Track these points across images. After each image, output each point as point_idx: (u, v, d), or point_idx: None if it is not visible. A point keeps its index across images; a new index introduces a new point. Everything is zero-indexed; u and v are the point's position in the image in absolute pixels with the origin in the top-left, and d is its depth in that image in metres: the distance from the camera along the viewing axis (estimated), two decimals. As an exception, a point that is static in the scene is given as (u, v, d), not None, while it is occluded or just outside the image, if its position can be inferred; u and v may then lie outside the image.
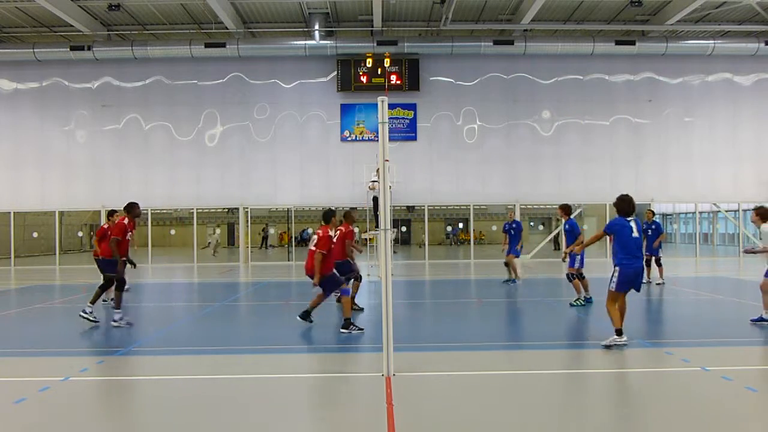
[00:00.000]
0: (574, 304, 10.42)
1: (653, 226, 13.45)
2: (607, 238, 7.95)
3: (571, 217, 11.00)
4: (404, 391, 5.40)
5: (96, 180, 23.39)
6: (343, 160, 23.31)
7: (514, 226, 14.21)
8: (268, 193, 23.57)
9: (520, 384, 5.88)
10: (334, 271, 8.75)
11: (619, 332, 7.08)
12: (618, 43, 22.33)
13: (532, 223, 41.13)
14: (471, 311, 10.59)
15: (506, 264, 14.53)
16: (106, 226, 10.27)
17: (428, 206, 24.19)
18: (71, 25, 21.36)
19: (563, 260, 10.14)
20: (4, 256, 23.83)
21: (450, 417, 4.87)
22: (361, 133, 23.42)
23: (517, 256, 14.34)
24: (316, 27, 22.19)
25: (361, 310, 10.07)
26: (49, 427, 4.78)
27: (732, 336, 8.21)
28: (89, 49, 22.02)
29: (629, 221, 7.14)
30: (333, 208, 8.89)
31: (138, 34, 23.10)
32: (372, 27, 22.35)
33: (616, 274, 7.06)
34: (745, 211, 25.67)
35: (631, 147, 23.64)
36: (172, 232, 36.50)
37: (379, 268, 15.03)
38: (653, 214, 13.93)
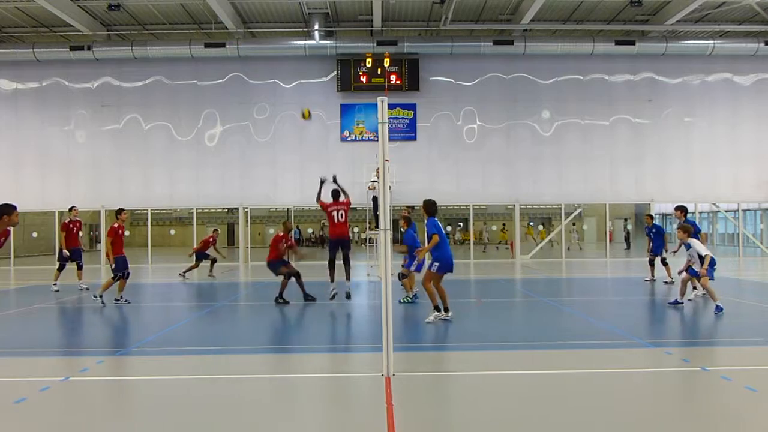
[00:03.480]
0: (403, 301, 10.90)
1: (654, 230, 14.22)
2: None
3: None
4: (404, 391, 5.40)
5: (96, 180, 23.39)
6: (343, 160, 23.28)
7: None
8: (268, 193, 23.56)
9: (519, 384, 5.88)
10: None
11: (437, 308, 8.67)
12: (618, 43, 22.34)
13: (532, 223, 41.14)
14: (471, 311, 10.59)
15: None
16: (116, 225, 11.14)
17: (428, 206, 24.14)
18: (71, 25, 21.37)
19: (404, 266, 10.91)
20: (4, 256, 23.81)
21: (450, 417, 4.87)
22: (361, 133, 23.42)
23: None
24: (316, 27, 22.20)
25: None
26: (49, 427, 4.78)
27: (732, 336, 8.21)
28: (89, 49, 22.03)
29: (438, 221, 8.79)
30: None
31: (138, 34, 23.10)
32: (372, 27, 22.35)
33: (437, 264, 8.62)
34: (744, 211, 25.69)
35: (631, 147, 23.63)
36: (172, 232, 36.50)
37: (379, 268, 15.02)
38: (652, 218, 14.76)
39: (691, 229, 10.00)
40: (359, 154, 22.94)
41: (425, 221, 8.87)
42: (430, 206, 8.92)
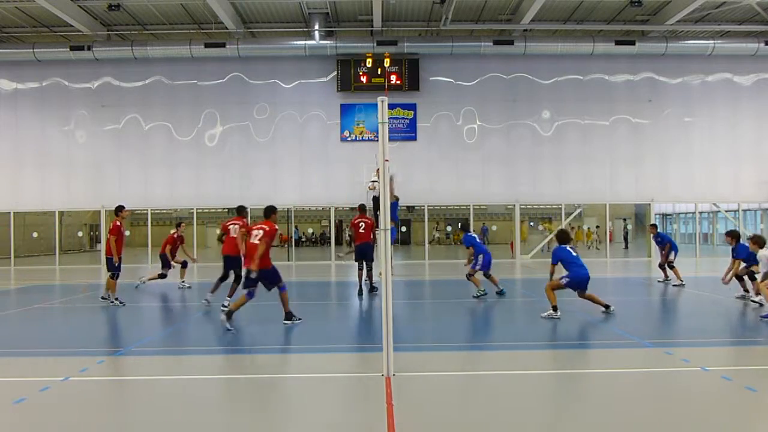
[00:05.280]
0: (477, 295, 11.47)
1: (658, 239, 14.81)
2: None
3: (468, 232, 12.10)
4: (404, 391, 5.40)
5: (96, 180, 23.39)
6: (343, 160, 23.29)
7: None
8: (268, 193, 23.50)
9: (519, 384, 5.88)
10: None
11: (555, 308, 9.27)
12: (618, 43, 22.32)
13: (532, 223, 41.14)
14: (471, 311, 10.59)
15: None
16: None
17: (428, 206, 24.17)
18: (71, 25, 21.36)
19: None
20: (4, 256, 23.81)
21: (450, 417, 4.87)
22: (361, 133, 23.42)
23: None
24: (316, 27, 22.19)
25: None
26: (49, 427, 4.78)
27: (732, 336, 8.21)
28: (89, 49, 22.02)
29: (567, 248, 9.60)
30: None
31: (138, 34, 23.09)
32: (372, 27, 22.34)
33: (566, 278, 9.44)
34: (745, 211, 25.68)
35: (631, 147, 23.63)
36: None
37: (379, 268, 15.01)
38: (655, 227, 15.53)
39: (763, 241, 9.39)
40: (359, 154, 22.94)
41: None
42: (562, 234, 10.20)
